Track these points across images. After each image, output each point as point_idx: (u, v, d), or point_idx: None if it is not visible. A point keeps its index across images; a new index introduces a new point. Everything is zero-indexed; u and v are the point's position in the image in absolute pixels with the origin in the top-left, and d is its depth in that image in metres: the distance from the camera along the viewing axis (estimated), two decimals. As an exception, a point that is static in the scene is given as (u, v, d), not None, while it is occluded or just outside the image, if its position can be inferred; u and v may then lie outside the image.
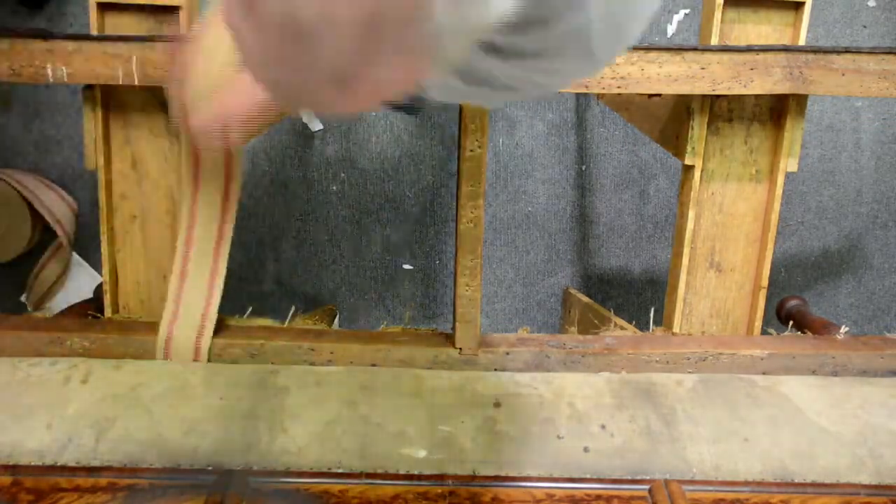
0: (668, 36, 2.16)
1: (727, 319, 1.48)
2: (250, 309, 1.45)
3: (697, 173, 1.40)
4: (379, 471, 1.13)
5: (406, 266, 2.24)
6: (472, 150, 1.20)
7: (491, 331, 1.38)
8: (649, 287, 2.26)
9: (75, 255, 2.09)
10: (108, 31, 1.36)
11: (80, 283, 2.08)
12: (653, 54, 1.29)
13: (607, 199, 2.22)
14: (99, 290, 1.60)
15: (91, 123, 1.36)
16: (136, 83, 1.26)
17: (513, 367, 1.33)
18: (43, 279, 2.05)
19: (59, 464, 1.12)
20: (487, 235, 2.23)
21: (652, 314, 1.63)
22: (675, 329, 1.46)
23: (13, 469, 1.11)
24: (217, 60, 0.83)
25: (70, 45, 1.25)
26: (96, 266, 2.07)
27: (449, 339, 1.35)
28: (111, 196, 1.40)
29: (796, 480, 1.14)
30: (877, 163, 2.16)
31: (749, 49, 1.29)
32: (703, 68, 1.29)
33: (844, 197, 2.18)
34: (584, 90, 1.29)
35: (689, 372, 1.33)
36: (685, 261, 1.43)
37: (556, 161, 2.20)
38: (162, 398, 1.21)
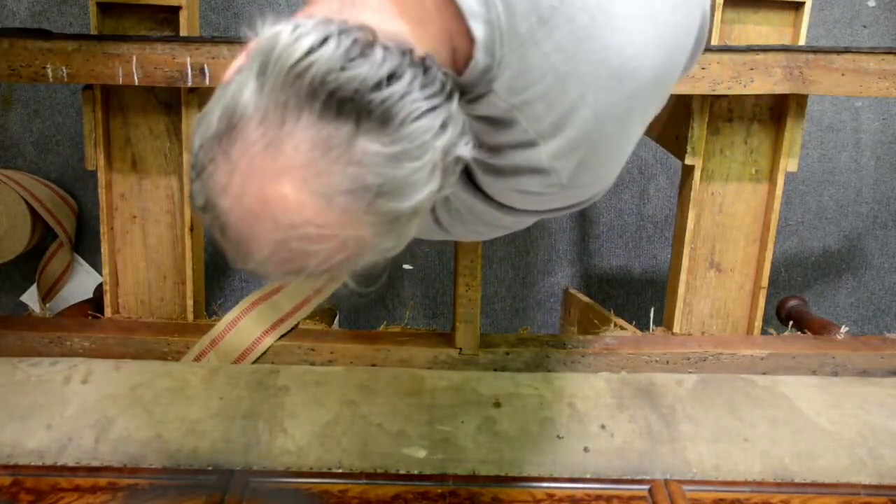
0: (668, 36, 2.15)
1: (727, 319, 1.48)
2: (250, 309, 1.45)
3: (697, 173, 1.40)
4: (379, 471, 1.13)
5: (406, 266, 2.24)
6: (472, 150, 1.20)
7: (491, 331, 1.38)
8: (649, 287, 2.25)
9: (75, 255, 2.09)
10: (108, 31, 1.36)
11: (81, 283, 2.08)
12: (653, 54, 1.29)
13: (607, 199, 2.21)
14: (99, 290, 1.60)
15: (91, 123, 1.36)
16: (136, 83, 1.26)
17: (513, 367, 1.33)
18: (46, 278, 2.06)
19: (58, 464, 1.12)
20: (487, 235, 2.22)
21: (652, 314, 1.63)
22: (675, 329, 1.46)
23: (13, 469, 1.11)
24: None
25: (70, 45, 1.25)
26: (96, 266, 2.07)
27: (449, 339, 1.35)
28: (111, 196, 1.40)
29: (796, 480, 1.14)
30: (877, 163, 2.16)
31: (749, 49, 1.29)
32: (703, 68, 1.29)
33: (844, 197, 2.17)
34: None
35: (689, 372, 1.33)
36: (685, 261, 1.43)
37: (557, 161, 2.19)
38: (162, 398, 1.21)
